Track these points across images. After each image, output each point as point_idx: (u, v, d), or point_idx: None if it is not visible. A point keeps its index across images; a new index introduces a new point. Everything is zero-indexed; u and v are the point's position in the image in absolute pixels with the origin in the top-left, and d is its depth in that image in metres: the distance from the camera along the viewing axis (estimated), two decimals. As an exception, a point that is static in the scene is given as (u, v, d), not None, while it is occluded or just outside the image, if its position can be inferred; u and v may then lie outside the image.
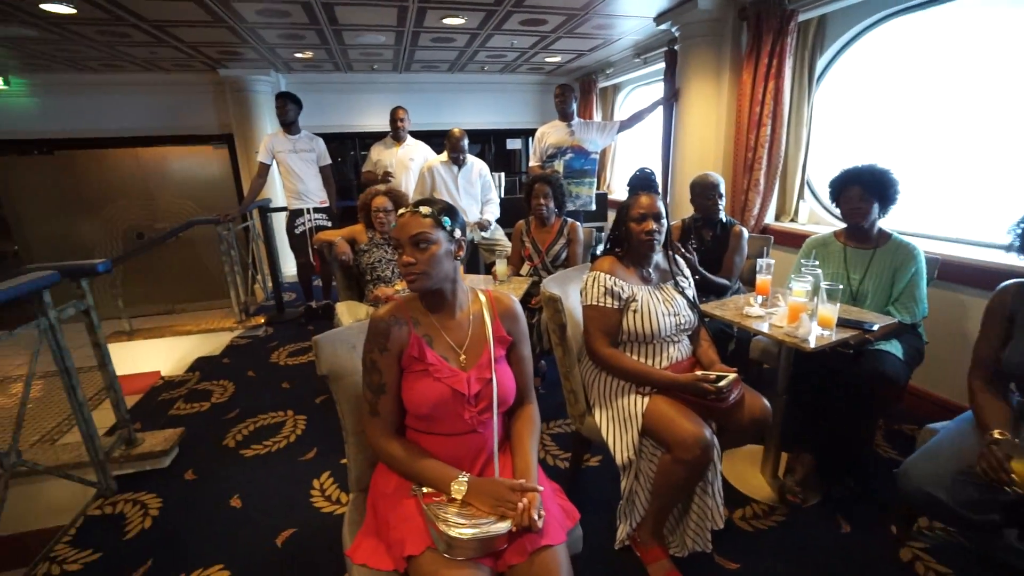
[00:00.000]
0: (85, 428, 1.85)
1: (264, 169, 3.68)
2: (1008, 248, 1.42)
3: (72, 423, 2.78)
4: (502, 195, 4.31)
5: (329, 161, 3.89)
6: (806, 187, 3.15)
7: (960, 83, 2.44)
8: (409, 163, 3.86)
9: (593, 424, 1.63)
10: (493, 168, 6.35)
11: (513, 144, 6.47)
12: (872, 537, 1.68)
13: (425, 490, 1.12)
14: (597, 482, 1.99)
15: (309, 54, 4.52)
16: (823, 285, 1.60)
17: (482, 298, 1.27)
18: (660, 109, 3.88)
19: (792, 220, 3.18)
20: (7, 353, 4.30)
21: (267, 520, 1.83)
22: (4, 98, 4.95)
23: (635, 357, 1.62)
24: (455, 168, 3.41)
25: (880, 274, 1.93)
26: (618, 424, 1.56)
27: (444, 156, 3.43)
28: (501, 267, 2.46)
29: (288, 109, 3.60)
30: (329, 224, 3.87)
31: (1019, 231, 1.38)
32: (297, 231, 3.83)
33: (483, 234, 3.43)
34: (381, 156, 3.85)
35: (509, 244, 3.14)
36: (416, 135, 4.04)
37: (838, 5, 2.73)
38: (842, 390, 1.78)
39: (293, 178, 3.74)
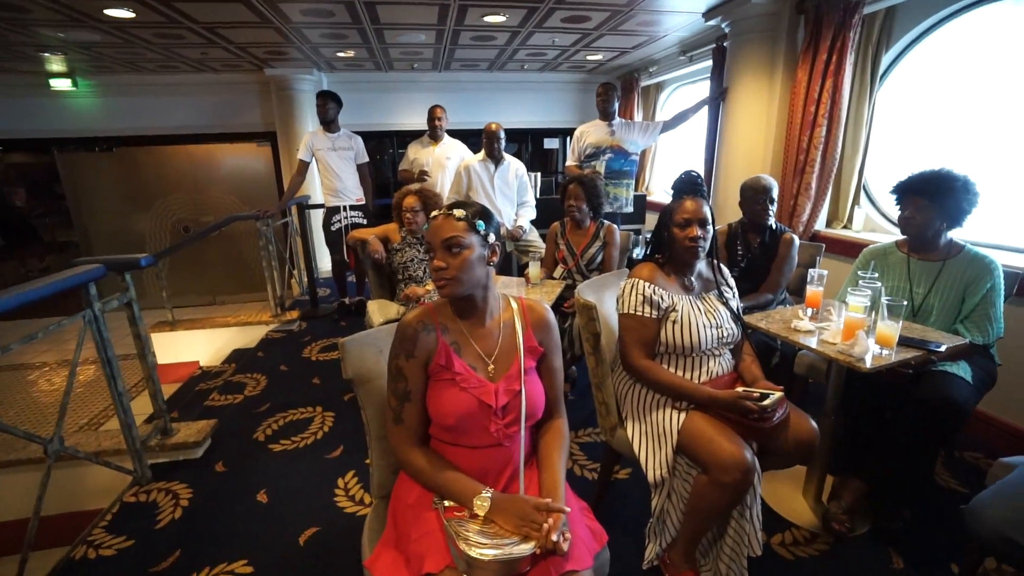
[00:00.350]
0: (124, 417, 1.91)
1: (303, 166, 3.75)
2: None
3: (117, 408, 2.91)
4: (538, 195, 4.25)
5: (367, 159, 3.93)
6: (863, 192, 2.95)
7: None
8: (446, 162, 3.85)
9: (625, 438, 1.55)
10: (529, 168, 6.31)
11: (550, 143, 6.40)
12: (926, 570, 1.53)
13: (447, 503, 1.08)
14: (627, 496, 1.91)
15: (351, 53, 4.59)
16: (883, 300, 1.47)
17: (514, 305, 1.22)
18: (705, 109, 3.73)
19: (846, 227, 2.99)
20: (68, 338, 4.56)
21: (292, 517, 1.84)
22: (72, 98, 5.27)
23: (672, 370, 1.53)
24: (492, 167, 3.37)
25: (949, 289, 1.76)
26: (652, 439, 1.48)
27: (481, 155, 3.40)
28: (534, 269, 2.41)
29: (328, 107, 3.65)
30: (365, 222, 3.90)
31: None
32: (333, 228, 3.88)
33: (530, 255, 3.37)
34: (418, 155, 3.86)
35: (543, 246, 3.08)
36: (454, 134, 4.03)
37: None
38: (900, 413, 1.63)
39: (331, 175, 3.79)
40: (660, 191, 5.31)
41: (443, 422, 1.10)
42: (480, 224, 1.12)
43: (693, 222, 1.50)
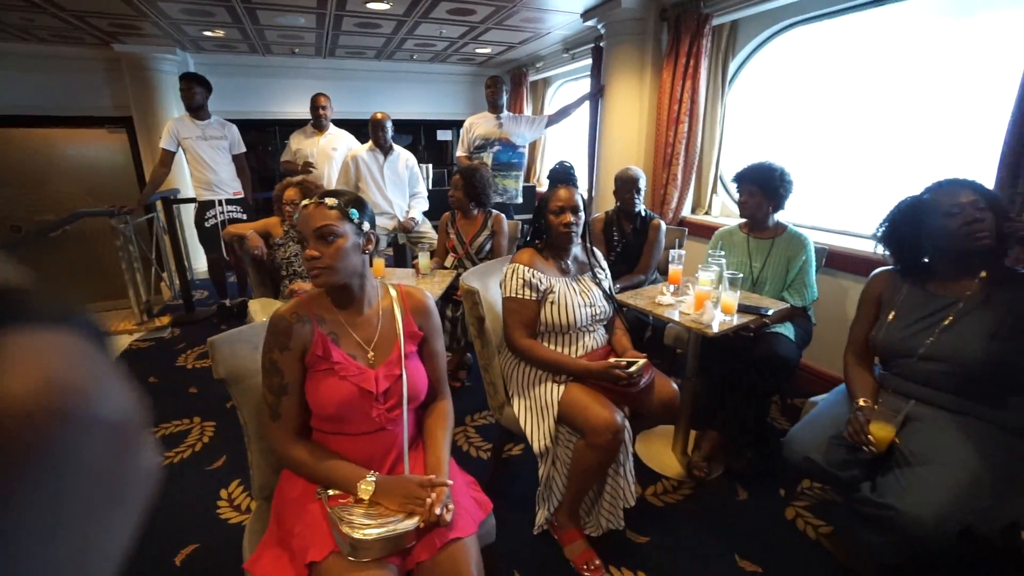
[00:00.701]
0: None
1: (168, 157, 3.38)
2: (876, 244, 1.57)
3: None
4: (431, 187, 4.24)
5: (243, 149, 3.65)
6: (719, 182, 3.35)
7: (855, 87, 2.67)
8: (332, 153, 3.70)
9: (512, 414, 1.65)
10: (425, 160, 6.24)
11: (444, 135, 6.39)
12: (764, 501, 1.83)
13: (331, 493, 1.08)
14: (519, 471, 2.02)
15: (220, 33, 4.20)
16: (725, 274, 1.71)
17: (393, 293, 1.24)
18: (587, 104, 3.96)
19: (707, 213, 3.37)
20: None
21: (165, 538, 1.69)
22: None
23: (552, 347, 1.65)
24: (381, 157, 3.30)
25: (777, 262, 2.09)
26: (535, 413, 1.59)
27: (369, 145, 3.31)
28: (424, 260, 2.42)
29: (195, 92, 3.32)
30: (244, 217, 3.63)
31: (882, 229, 1.53)
32: (207, 224, 3.56)
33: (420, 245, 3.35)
34: (301, 145, 3.66)
35: (436, 237, 3.09)
36: (342, 124, 3.87)
37: (747, 12, 2.90)
38: (742, 370, 1.91)
39: (203, 167, 3.47)
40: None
41: (323, 412, 1.10)
42: (353, 212, 1.12)
43: (566, 209, 1.62)
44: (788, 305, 1.94)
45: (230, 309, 3.80)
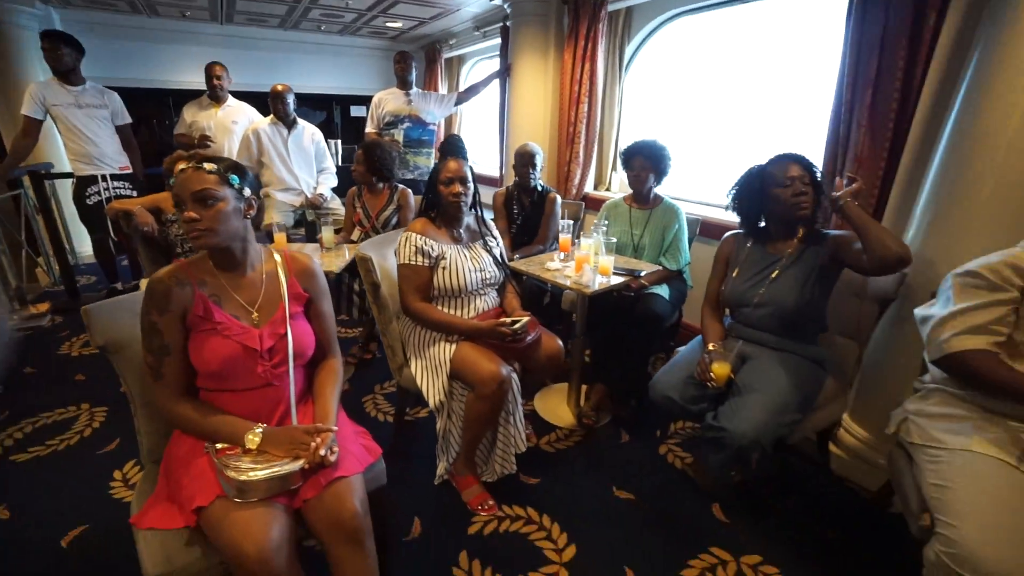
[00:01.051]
0: None
1: (32, 125, 3.05)
2: (727, 208, 1.82)
3: None
4: (341, 163, 4.16)
5: (129, 120, 3.37)
6: (618, 160, 3.58)
7: (735, 73, 2.94)
8: (232, 126, 3.53)
9: (410, 374, 1.75)
10: (339, 136, 6.05)
11: (358, 111, 6.21)
12: (643, 442, 2.09)
13: (219, 446, 1.13)
14: (425, 432, 2.13)
15: (91, -12, 3.80)
16: (601, 240, 1.90)
17: (277, 257, 1.29)
18: (496, 83, 4.05)
19: (607, 189, 3.61)
20: None
21: (49, 523, 1.63)
22: None
23: (446, 310, 1.76)
24: (284, 131, 3.21)
25: (654, 231, 2.32)
26: (431, 371, 1.70)
27: (271, 118, 3.20)
28: (327, 234, 2.43)
29: (62, 53, 3.01)
30: (134, 194, 3.38)
31: (731, 194, 1.78)
32: (90, 201, 3.28)
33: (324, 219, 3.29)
34: (196, 117, 3.45)
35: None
36: (244, 97, 3.68)
37: (640, 0, 3.11)
38: (625, 327, 2.14)
39: (80, 139, 3.17)
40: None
41: (206, 368, 1.14)
42: (234, 178, 1.15)
43: (455, 180, 1.72)
44: (661, 268, 2.18)
45: (122, 293, 3.54)
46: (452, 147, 1.81)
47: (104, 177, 3.28)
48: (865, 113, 1.85)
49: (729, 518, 1.70)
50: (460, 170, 1.73)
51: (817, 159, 2.04)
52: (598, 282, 1.86)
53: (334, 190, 3.45)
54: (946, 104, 1.57)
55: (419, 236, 1.71)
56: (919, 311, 1.33)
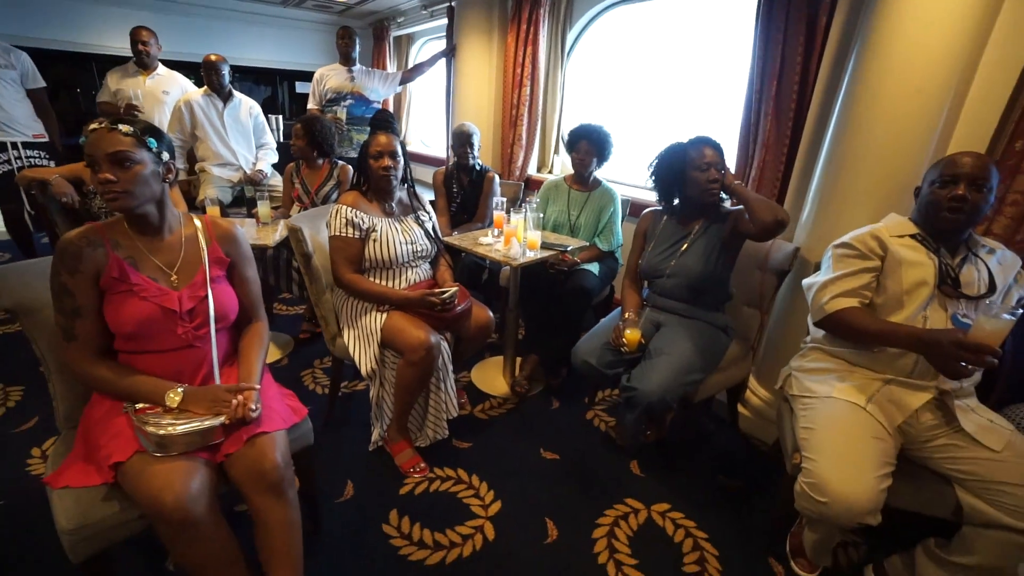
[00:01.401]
0: None
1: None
2: (648, 182, 1.94)
3: None
4: (281, 140, 4.06)
5: (42, 84, 3.15)
6: (560, 143, 3.68)
7: (670, 58, 3.08)
8: (163, 96, 3.36)
9: (343, 344, 1.79)
10: (285, 112, 5.85)
11: (304, 87, 6.00)
12: (572, 408, 2.22)
13: (139, 406, 1.15)
14: (363, 404, 2.17)
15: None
16: (529, 216, 1.99)
17: (197, 223, 1.29)
18: (443, 64, 4.04)
19: (549, 172, 3.71)
20: None
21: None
22: None
23: (378, 281, 1.81)
24: (220, 103, 3.10)
25: (591, 213, 2.44)
26: (362, 340, 1.75)
27: (204, 89, 3.08)
28: (263, 208, 2.40)
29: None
30: (51, 164, 3.18)
31: (651, 169, 1.89)
32: (-1, 171, 3.07)
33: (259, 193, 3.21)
34: (122, 85, 3.26)
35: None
36: (179, 66, 3.50)
37: (580, -14, 3.19)
38: (556, 301, 2.25)
39: (-18, 102, 2.94)
40: (417, 141, 5.57)
41: (122, 330, 1.15)
42: (151, 141, 1.15)
43: (384, 154, 1.76)
44: (588, 245, 2.31)
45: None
46: (382, 122, 1.84)
47: (15, 145, 3.06)
48: (771, 103, 2.02)
49: (644, 473, 1.85)
50: (390, 144, 1.77)
51: (734, 143, 2.21)
52: (526, 256, 1.96)
53: (275, 167, 3.37)
54: (835, 94, 1.74)
55: (350, 208, 1.74)
56: (805, 281, 1.49)
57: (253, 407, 1.15)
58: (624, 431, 1.93)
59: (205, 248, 1.26)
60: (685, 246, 1.80)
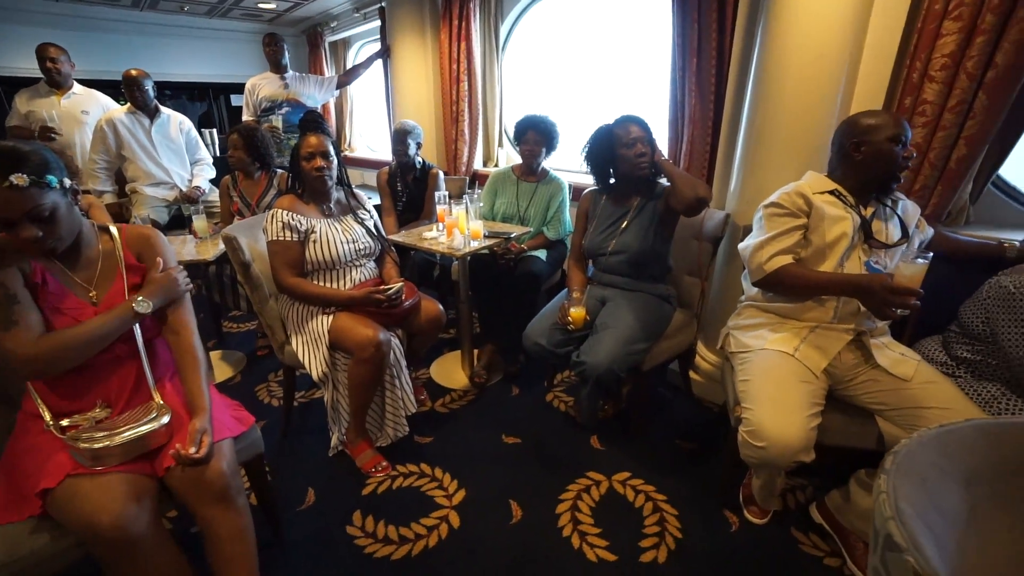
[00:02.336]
0: None
1: None
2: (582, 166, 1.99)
3: None
4: (219, 154, 3.93)
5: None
6: (504, 136, 3.71)
7: (601, 47, 3.15)
8: (82, 116, 3.19)
9: (292, 351, 1.76)
10: (224, 126, 5.65)
11: (240, 100, 5.82)
12: (531, 392, 2.25)
13: (65, 423, 1.10)
14: (321, 411, 2.13)
15: None
16: (470, 206, 2.01)
17: (113, 231, 1.25)
18: (382, 65, 4.00)
19: (495, 165, 3.73)
20: None
21: None
22: None
23: (322, 283, 1.78)
24: (146, 121, 2.97)
25: (540, 202, 2.47)
26: (311, 345, 1.72)
27: (127, 107, 2.95)
28: (200, 223, 2.32)
29: None
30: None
31: (584, 153, 1.93)
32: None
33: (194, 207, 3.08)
34: (33, 107, 3.08)
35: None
36: (99, 86, 3.33)
37: (507, -20, 3.21)
38: (507, 290, 2.27)
39: None
40: (362, 147, 5.49)
41: None
42: (51, 179, 1.03)
43: (316, 155, 1.74)
44: (534, 232, 2.34)
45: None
46: (311, 123, 1.80)
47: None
48: (693, 80, 2.10)
49: (604, 446, 1.90)
50: (321, 145, 1.74)
51: (665, 121, 2.29)
52: (470, 245, 1.97)
53: (213, 183, 3.26)
54: (748, 67, 1.83)
55: (286, 212, 1.71)
56: (741, 244, 1.54)
57: (202, 444, 1.11)
58: (582, 408, 1.97)
59: (122, 258, 1.22)
60: (624, 223, 1.85)
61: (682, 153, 2.26)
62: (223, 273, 2.45)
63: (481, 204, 2.05)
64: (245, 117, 3.52)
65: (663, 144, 2.29)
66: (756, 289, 1.52)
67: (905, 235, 1.39)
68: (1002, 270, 1.28)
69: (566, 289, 2.02)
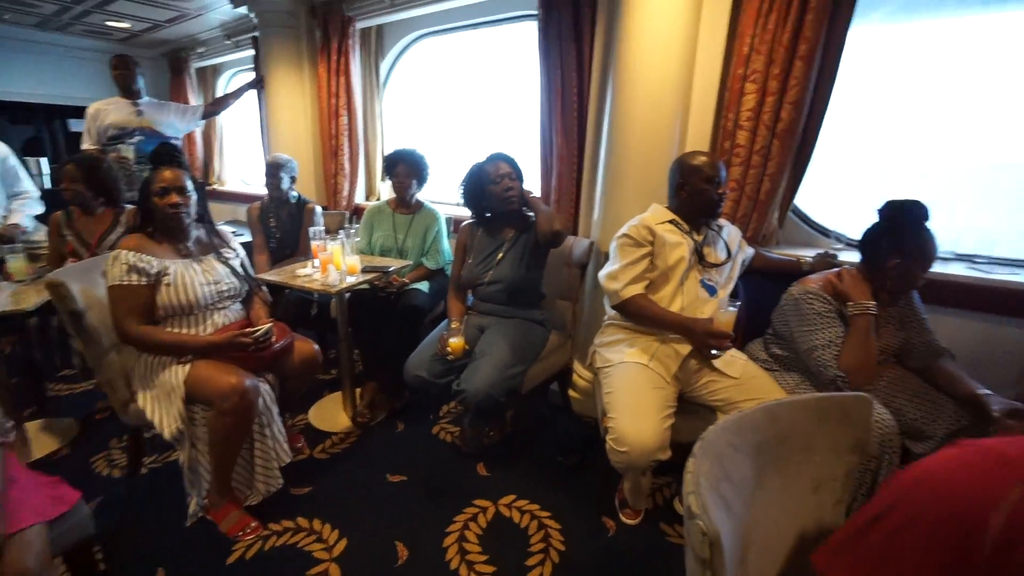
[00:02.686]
0: None
1: None
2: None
3: None
4: (49, 186, 3.43)
5: None
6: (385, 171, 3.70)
7: (480, 84, 3.30)
8: None
9: (138, 409, 1.57)
10: (51, 155, 4.95)
11: (79, 126, 5.16)
12: (417, 427, 2.22)
13: None
14: (178, 475, 1.90)
15: None
16: (345, 242, 1.98)
17: None
18: (256, 95, 3.81)
19: (377, 199, 3.70)
20: None
21: None
22: None
23: (178, 329, 1.62)
24: (-52, 149, 2.52)
25: (417, 234, 2.49)
26: (161, 399, 1.55)
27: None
28: (16, 263, 2.00)
29: None
30: None
31: (461, 190, 2.01)
32: None
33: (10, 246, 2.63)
34: None
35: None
36: None
37: (386, 19, 3.26)
38: (389, 324, 2.25)
39: None
40: (234, 181, 5.12)
41: None
42: None
43: (171, 190, 1.60)
44: (415, 264, 2.36)
45: None
46: (164, 156, 1.67)
47: None
48: (559, 118, 2.29)
49: (490, 472, 1.93)
50: (177, 179, 1.62)
51: (538, 157, 2.46)
52: (346, 281, 1.93)
53: (40, 219, 2.82)
54: (604, 108, 2.04)
55: (131, 253, 1.55)
56: (600, 273, 1.70)
57: None
58: (467, 436, 2.00)
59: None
60: (500, 255, 1.94)
61: (552, 187, 2.43)
62: (49, 326, 2.12)
63: (358, 239, 2.02)
64: (85, 145, 3.13)
65: (535, 179, 2.46)
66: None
67: (729, 255, 1.64)
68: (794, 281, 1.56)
69: (445, 321, 2.06)
